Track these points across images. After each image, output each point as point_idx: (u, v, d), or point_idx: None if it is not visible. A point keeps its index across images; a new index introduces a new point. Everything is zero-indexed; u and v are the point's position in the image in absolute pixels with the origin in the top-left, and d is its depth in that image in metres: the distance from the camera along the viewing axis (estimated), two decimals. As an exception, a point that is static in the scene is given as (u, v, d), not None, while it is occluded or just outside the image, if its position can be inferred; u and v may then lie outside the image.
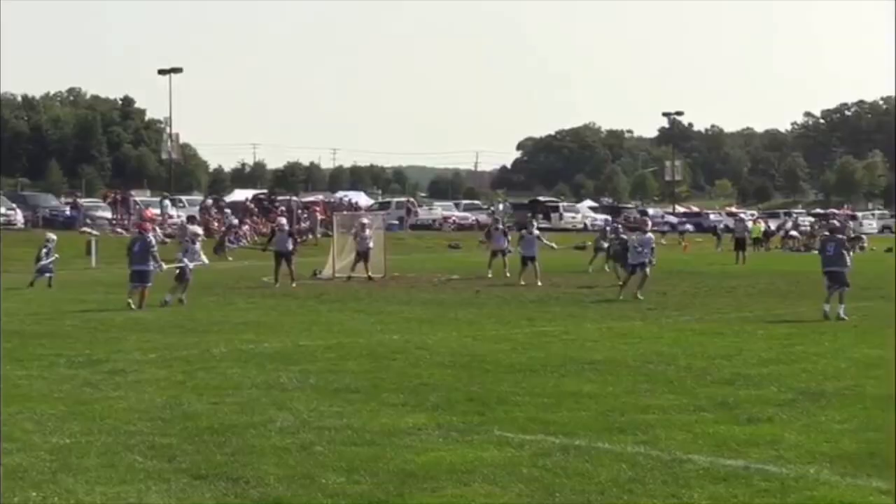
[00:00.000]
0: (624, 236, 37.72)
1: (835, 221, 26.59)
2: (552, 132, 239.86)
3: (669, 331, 21.76)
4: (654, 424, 12.07)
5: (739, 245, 52.62)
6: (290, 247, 35.51)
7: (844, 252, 25.33)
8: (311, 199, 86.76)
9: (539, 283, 34.55)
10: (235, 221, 62.70)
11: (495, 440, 11.29)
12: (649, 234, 32.23)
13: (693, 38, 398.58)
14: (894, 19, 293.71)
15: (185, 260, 29.15)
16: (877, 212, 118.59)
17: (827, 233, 28.71)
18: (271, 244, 36.84)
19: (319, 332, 21.57)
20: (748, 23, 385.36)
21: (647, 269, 30.53)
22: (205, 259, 31.43)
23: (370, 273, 37.18)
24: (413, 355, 17.87)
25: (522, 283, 34.79)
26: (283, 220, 40.30)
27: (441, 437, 11.47)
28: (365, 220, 39.29)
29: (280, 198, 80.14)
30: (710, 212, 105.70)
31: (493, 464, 10.26)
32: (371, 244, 37.61)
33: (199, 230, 36.18)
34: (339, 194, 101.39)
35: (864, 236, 72.94)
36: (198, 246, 30.54)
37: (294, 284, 34.01)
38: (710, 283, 35.27)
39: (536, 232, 37.60)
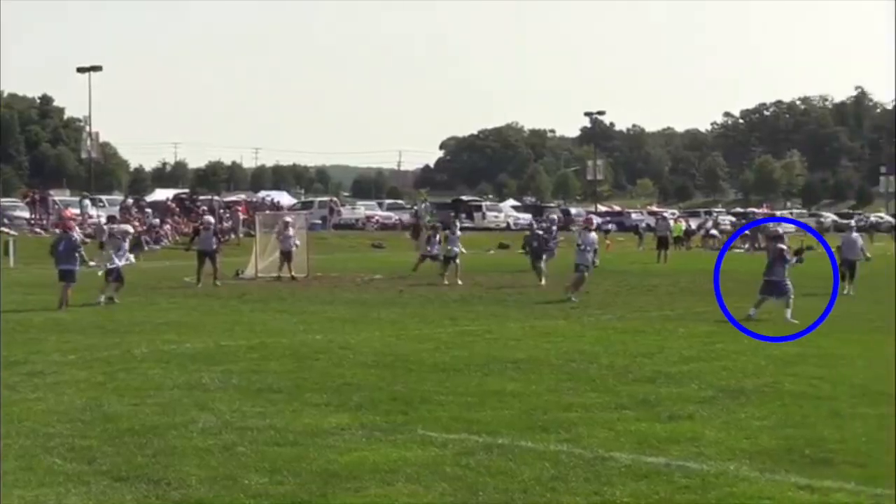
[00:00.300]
0: (539, 232, 37.94)
1: (777, 229, 26.18)
2: (475, 131, 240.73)
3: (592, 329, 21.90)
4: (576, 423, 12.14)
5: (661, 244, 53.03)
6: (215, 245, 35.27)
7: (784, 261, 24.98)
8: (234, 198, 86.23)
9: (459, 282, 34.61)
10: (157, 221, 62.16)
11: (419, 439, 11.29)
12: (593, 234, 31.89)
13: (615, 38, 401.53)
14: (894, 22, 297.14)
15: (118, 260, 28.88)
16: (794, 211, 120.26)
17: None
18: (195, 243, 36.54)
19: (242, 332, 21.44)
20: (669, 23, 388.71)
21: (587, 273, 29.74)
22: (132, 258, 31.24)
23: (293, 273, 37.08)
24: (336, 355, 17.82)
25: (446, 282, 34.76)
26: (210, 219, 39.98)
27: (364, 436, 11.45)
28: (288, 220, 39.14)
29: (202, 197, 79.58)
30: (631, 211, 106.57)
31: (416, 463, 10.26)
32: (295, 244, 37.50)
33: (130, 229, 36.08)
34: (262, 194, 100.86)
35: (784, 235, 73.79)
36: (126, 245, 30.43)
37: (218, 283, 33.79)
38: (631, 282, 35.56)
39: (459, 232, 37.59)
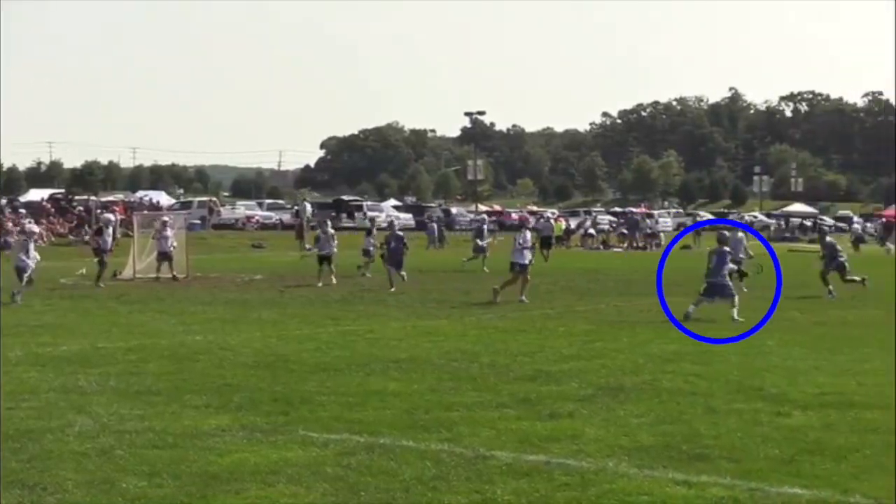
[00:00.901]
0: (400, 233, 37.68)
1: (724, 233, 26.42)
2: (356, 131, 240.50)
3: (473, 328, 21.99)
4: (457, 422, 12.18)
5: (545, 243, 53.30)
6: (110, 245, 34.80)
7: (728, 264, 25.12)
8: (111, 198, 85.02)
9: (334, 281, 34.38)
10: (35, 229, 60.88)
11: (300, 440, 11.25)
12: (529, 232, 31.65)
13: (495, 39, 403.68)
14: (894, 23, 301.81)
15: (26, 259, 29.03)
16: (672, 210, 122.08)
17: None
18: (95, 242, 36.08)
19: (120, 333, 21.15)
20: (548, 23, 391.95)
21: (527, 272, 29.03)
22: (37, 256, 30.73)
23: (175, 273, 36.64)
24: (216, 356, 17.67)
25: (320, 284, 34.37)
26: (111, 217, 39.11)
27: (245, 437, 11.37)
28: (165, 220, 38.57)
29: (78, 197, 78.25)
30: (511, 210, 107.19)
31: (297, 464, 10.22)
32: (173, 245, 36.94)
33: (37, 228, 35.64)
34: (140, 194, 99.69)
35: (661, 234, 74.97)
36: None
37: (101, 285, 33.19)
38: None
39: (331, 231, 36.93)
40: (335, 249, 35.75)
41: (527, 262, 29.02)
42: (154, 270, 37.00)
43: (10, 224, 62.42)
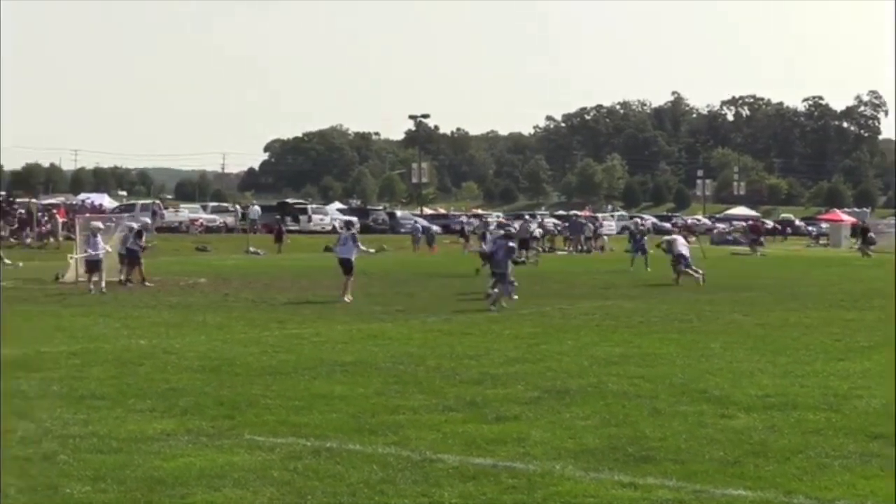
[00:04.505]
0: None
1: (511, 228, 27.89)
2: (299, 134, 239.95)
3: (419, 332, 21.99)
4: (404, 425, 12.19)
5: (522, 245, 52.18)
6: (101, 253, 34.41)
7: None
8: (52, 201, 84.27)
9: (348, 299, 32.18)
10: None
11: (245, 444, 11.20)
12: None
13: (439, 41, 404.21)
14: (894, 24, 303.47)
15: (90, 250, 32.03)
16: (616, 213, 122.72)
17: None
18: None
19: (63, 337, 20.96)
20: (493, 26, 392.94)
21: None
22: (108, 248, 33.93)
23: (122, 277, 35.90)
24: (160, 360, 17.55)
25: (347, 298, 30.03)
26: (100, 224, 38.09)
27: (190, 442, 11.32)
28: (98, 225, 36.94)
29: (19, 200, 77.47)
30: (457, 213, 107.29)
31: (243, 468, 10.18)
32: (106, 249, 35.28)
33: (100, 224, 36.48)
34: (82, 196, 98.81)
35: (605, 237, 75.30)
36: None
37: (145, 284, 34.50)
38: (457, 285, 35.74)
39: (353, 232, 34.19)
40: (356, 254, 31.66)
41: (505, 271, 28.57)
42: (116, 274, 35.99)
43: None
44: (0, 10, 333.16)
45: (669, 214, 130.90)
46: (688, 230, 72.46)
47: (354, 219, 41.87)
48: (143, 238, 36.84)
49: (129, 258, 35.69)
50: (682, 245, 37.64)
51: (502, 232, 31.44)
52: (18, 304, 28.38)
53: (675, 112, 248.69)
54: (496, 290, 27.78)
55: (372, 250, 33.70)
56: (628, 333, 21.64)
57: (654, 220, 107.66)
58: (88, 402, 13.65)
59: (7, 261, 30.47)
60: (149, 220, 45.93)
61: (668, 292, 32.67)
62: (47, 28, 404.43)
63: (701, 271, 36.27)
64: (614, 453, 10.83)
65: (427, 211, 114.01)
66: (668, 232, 67.51)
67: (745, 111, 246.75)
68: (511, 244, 28.98)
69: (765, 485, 9.70)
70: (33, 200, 79.25)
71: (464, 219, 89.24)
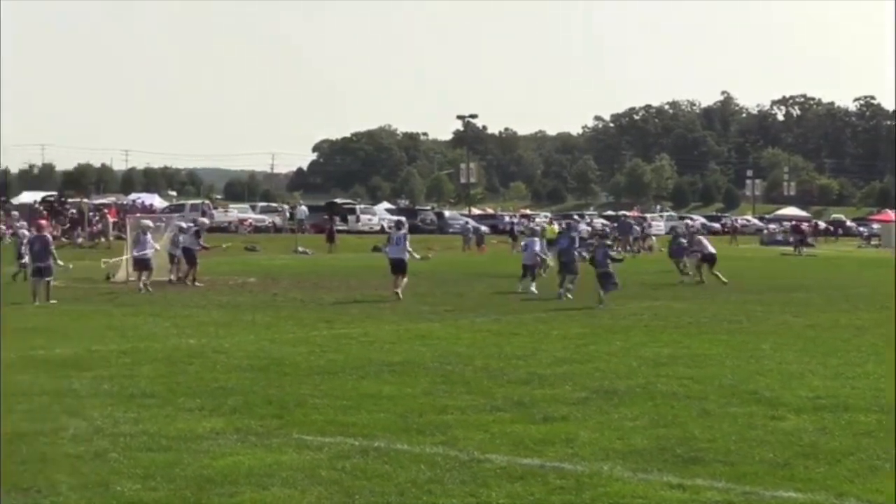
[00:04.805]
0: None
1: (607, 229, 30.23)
2: (348, 134, 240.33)
3: (467, 332, 21.98)
4: (452, 425, 12.18)
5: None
6: (150, 253, 34.80)
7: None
8: (103, 201, 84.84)
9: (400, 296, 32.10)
10: (25, 233, 60.74)
11: (294, 443, 11.24)
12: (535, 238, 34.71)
13: (487, 41, 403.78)
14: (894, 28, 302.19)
15: (144, 250, 33.23)
16: (664, 213, 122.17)
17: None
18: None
19: (113, 336, 21.11)
20: (541, 26, 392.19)
21: (540, 270, 33.78)
22: (157, 246, 35.01)
23: (171, 276, 36.28)
24: (210, 359, 17.65)
25: (399, 292, 30.22)
26: (149, 223, 38.33)
27: (239, 441, 11.37)
28: (149, 224, 37.19)
29: (71, 200, 78.11)
30: (504, 214, 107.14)
31: (291, 467, 10.21)
32: (154, 247, 35.56)
33: (150, 223, 37.11)
34: (132, 196, 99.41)
35: (653, 237, 74.96)
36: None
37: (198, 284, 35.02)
38: (505, 285, 35.68)
39: (403, 232, 34.09)
40: (408, 254, 31.82)
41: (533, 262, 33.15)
42: (165, 273, 36.36)
43: (2, 226, 62.52)
44: (52, 11, 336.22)
45: (718, 215, 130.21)
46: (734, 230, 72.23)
47: (404, 219, 42.09)
48: (202, 238, 37.24)
49: (186, 257, 36.17)
50: (706, 243, 38.83)
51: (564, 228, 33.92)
52: (70, 304, 28.62)
53: (724, 112, 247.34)
54: (570, 286, 30.19)
55: (417, 256, 33.90)
56: (677, 334, 21.55)
57: (704, 220, 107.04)
58: (139, 401, 13.74)
59: (60, 262, 31.11)
60: (207, 221, 46.38)
61: (717, 293, 32.47)
62: (99, 28, 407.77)
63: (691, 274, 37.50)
64: (663, 454, 10.79)
65: (475, 211, 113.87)
66: (717, 232, 67.26)
67: (796, 111, 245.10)
68: (608, 243, 31.30)
69: (815, 487, 9.62)
70: (85, 200, 79.86)
71: (514, 219, 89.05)
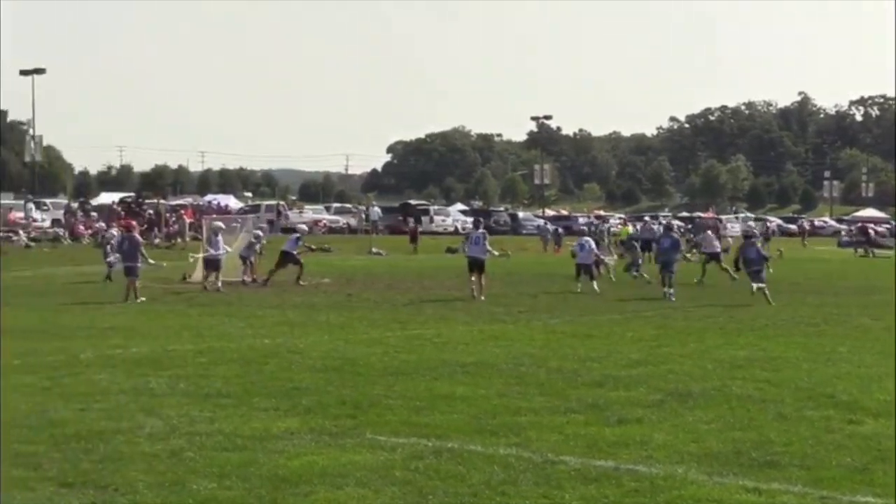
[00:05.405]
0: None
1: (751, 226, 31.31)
2: (422, 135, 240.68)
3: (540, 333, 21.95)
4: (525, 426, 12.15)
5: (646, 246, 51.83)
6: (222, 252, 35.27)
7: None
8: (180, 202, 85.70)
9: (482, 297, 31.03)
10: (115, 233, 61.35)
11: (368, 444, 11.26)
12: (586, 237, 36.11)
13: (561, 42, 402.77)
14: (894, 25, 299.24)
15: (211, 250, 34.29)
16: (740, 215, 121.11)
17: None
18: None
19: (189, 336, 21.31)
20: (615, 26, 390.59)
21: (600, 268, 35.30)
22: (228, 248, 35.91)
23: (253, 276, 36.82)
24: (285, 359, 17.75)
25: (483, 297, 30.38)
26: (221, 224, 38.81)
27: (313, 441, 11.41)
28: (220, 225, 37.66)
29: (148, 201, 79.00)
30: (578, 215, 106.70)
31: (365, 467, 10.24)
32: (225, 248, 35.81)
33: (222, 224, 38.17)
34: (208, 197, 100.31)
35: (729, 239, 74.38)
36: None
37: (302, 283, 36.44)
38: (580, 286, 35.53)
39: (482, 231, 33.52)
40: (487, 254, 31.79)
41: (588, 262, 34.32)
42: (238, 274, 36.82)
43: (81, 227, 63.40)
44: (133, 13, 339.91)
45: (795, 216, 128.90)
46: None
47: (482, 219, 42.47)
48: (301, 243, 38.31)
49: (289, 260, 37.17)
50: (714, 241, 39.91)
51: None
52: (147, 304, 28.92)
53: (801, 112, 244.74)
54: (671, 290, 31.00)
55: (496, 253, 33.97)
56: (753, 336, 21.35)
57: (780, 221, 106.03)
58: (214, 400, 13.85)
59: (151, 261, 31.69)
60: (307, 228, 47.43)
61: (793, 295, 32.16)
62: (176, 30, 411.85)
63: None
64: (738, 458, 10.69)
65: (549, 212, 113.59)
66: (793, 234, 66.47)
67: (875, 111, 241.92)
68: (676, 238, 33.73)
69: (893, 492, 9.48)
70: (162, 201, 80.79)
71: (592, 220, 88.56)
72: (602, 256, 37.63)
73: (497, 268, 38.81)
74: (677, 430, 11.97)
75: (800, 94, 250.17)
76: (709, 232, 41.41)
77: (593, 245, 35.57)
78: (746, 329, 22.69)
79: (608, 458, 10.67)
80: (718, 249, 38.90)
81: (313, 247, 39.55)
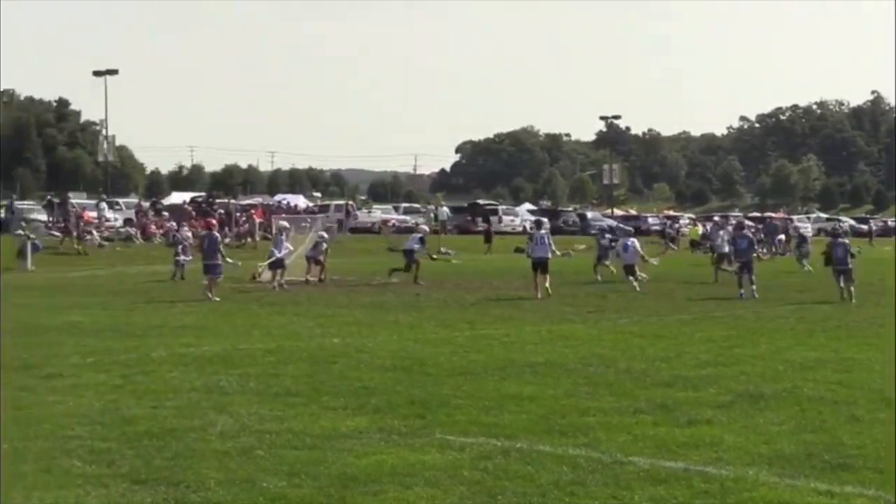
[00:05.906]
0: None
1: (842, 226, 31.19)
2: (491, 135, 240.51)
3: (609, 333, 21.87)
4: (594, 427, 12.12)
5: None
6: (284, 252, 35.72)
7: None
8: (250, 202, 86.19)
9: (548, 293, 31.20)
10: (188, 234, 61.85)
11: (437, 443, 11.28)
12: (632, 239, 36.22)
13: (630, 42, 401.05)
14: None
15: (275, 251, 35.15)
16: (812, 215, 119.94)
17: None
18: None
19: (259, 335, 21.47)
20: (685, 27, 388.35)
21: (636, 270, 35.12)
22: (290, 247, 36.56)
23: (320, 276, 37.16)
24: (353, 358, 17.82)
25: (540, 295, 30.88)
26: (286, 224, 39.20)
27: (382, 440, 11.45)
28: (285, 225, 38.32)
29: (218, 201, 79.57)
30: (647, 215, 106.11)
31: (434, 467, 10.26)
32: (287, 247, 36.20)
33: (287, 224, 38.76)
34: (278, 197, 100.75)
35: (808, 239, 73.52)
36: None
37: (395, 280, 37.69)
38: (648, 286, 35.40)
39: (544, 232, 34.87)
40: (552, 254, 32.53)
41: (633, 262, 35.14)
42: (304, 273, 37.22)
43: (152, 226, 64.03)
44: (203, 14, 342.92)
45: (867, 217, 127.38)
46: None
47: (545, 219, 42.66)
48: (426, 244, 39.85)
49: (410, 261, 38.22)
50: (723, 242, 39.82)
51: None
52: (218, 303, 29.15)
53: (874, 111, 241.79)
54: (753, 287, 30.98)
55: (559, 253, 34.18)
56: (825, 338, 21.13)
57: (852, 221, 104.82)
58: (284, 399, 13.94)
59: (229, 259, 32.07)
60: (427, 228, 48.85)
61: (866, 296, 31.74)
62: (246, 32, 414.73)
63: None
64: (810, 460, 10.58)
65: (618, 212, 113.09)
66: (863, 234, 65.58)
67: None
68: (751, 236, 34.18)
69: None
70: (232, 201, 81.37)
71: (665, 221, 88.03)
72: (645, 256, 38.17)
73: (566, 267, 38.72)
74: (748, 432, 11.88)
75: (873, 92, 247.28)
76: (722, 234, 41.44)
77: (638, 246, 36.26)
78: (818, 330, 22.46)
79: (677, 459, 10.62)
80: (725, 250, 38.75)
81: (434, 256, 40.59)
